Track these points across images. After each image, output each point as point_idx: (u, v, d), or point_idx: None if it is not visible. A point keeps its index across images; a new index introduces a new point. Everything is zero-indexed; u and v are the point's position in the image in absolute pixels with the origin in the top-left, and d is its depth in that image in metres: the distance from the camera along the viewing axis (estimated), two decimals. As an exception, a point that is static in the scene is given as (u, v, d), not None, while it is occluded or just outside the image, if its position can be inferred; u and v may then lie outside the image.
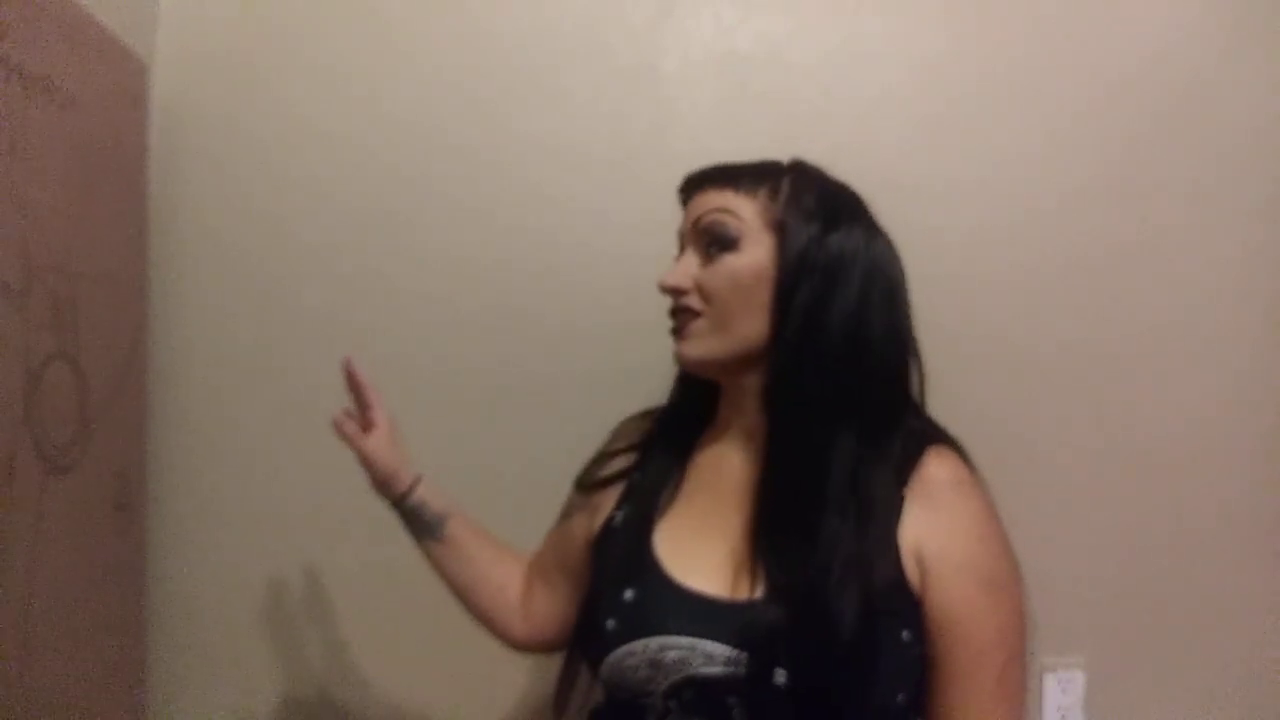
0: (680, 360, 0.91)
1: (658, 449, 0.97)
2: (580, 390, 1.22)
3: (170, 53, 1.21)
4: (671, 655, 0.80)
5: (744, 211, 0.87)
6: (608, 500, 0.97)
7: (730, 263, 0.86)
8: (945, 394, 1.20)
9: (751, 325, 0.86)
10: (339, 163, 1.23)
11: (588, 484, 1.00)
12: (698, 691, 0.79)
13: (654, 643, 0.81)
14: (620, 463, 0.99)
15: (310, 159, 1.22)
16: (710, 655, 0.79)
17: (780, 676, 0.76)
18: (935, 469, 0.87)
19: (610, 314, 1.22)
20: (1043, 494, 1.27)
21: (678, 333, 0.90)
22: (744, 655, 0.78)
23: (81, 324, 0.95)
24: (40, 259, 0.86)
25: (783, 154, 0.92)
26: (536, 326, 1.24)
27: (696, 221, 0.89)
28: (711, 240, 0.87)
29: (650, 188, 1.21)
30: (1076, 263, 1.28)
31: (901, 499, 0.84)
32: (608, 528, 0.94)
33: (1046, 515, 1.27)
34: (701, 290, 0.87)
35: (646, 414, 1.04)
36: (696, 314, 0.88)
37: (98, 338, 0.99)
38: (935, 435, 0.91)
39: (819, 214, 0.88)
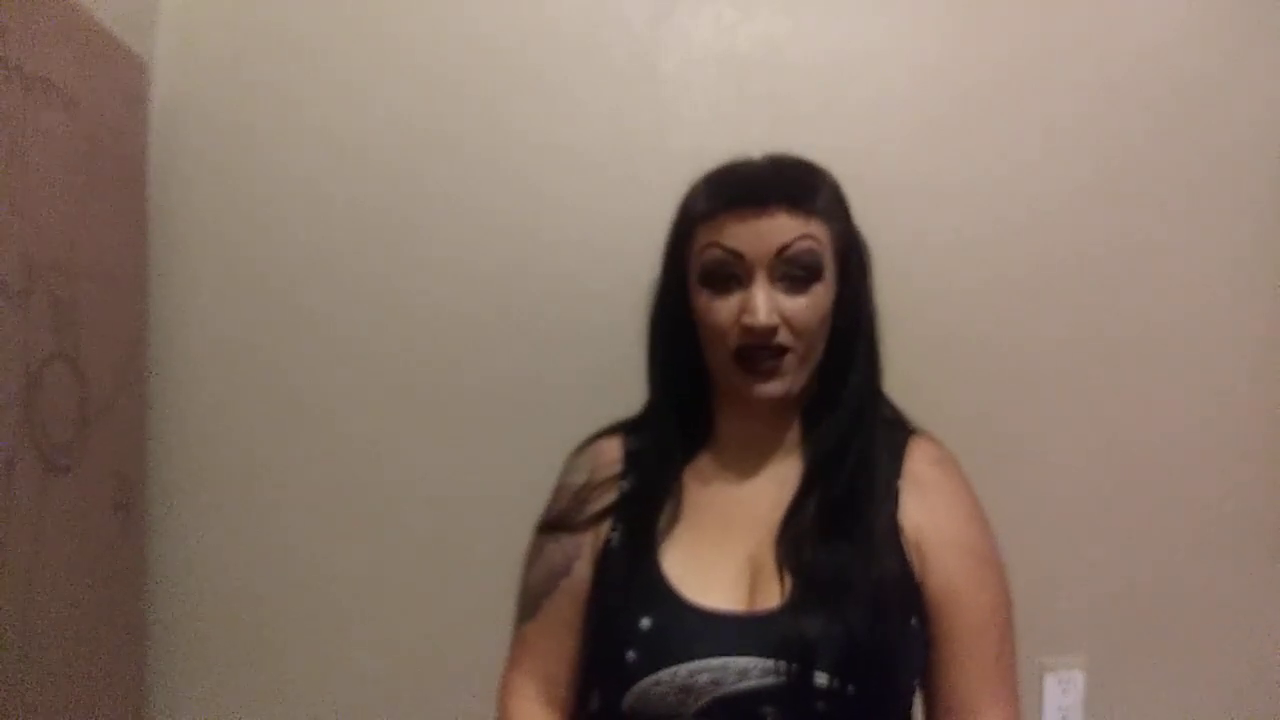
0: (765, 398, 0.85)
1: (647, 466, 0.93)
2: (581, 390, 1.21)
3: (170, 53, 1.21)
4: (704, 678, 0.79)
5: (822, 236, 0.84)
6: (599, 529, 0.92)
7: (819, 294, 0.84)
8: (945, 394, 1.20)
9: (821, 347, 0.88)
10: (339, 163, 1.22)
11: (578, 522, 0.92)
12: (730, 708, 0.79)
13: (683, 669, 0.79)
14: (605, 493, 0.93)
15: (310, 159, 1.22)
16: (744, 670, 0.79)
17: (821, 678, 0.77)
18: (921, 456, 0.90)
19: (610, 314, 1.21)
20: (1043, 494, 1.27)
21: (766, 373, 0.84)
22: (780, 664, 0.78)
23: (81, 324, 0.95)
24: (40, 259, 0.86)
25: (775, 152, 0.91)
26: (535, 326, 1.24)
27: (782, 250, 0.82)
28: (801, 271, 0.83)
29: (650, 188, 1.21)
30: (1076, 263, 1.28)
31: (897, 490, 0.87)
32: (607, 549, 0.90)
33: (1047, 516, 1.27)
34: (791, 325, 0.83)
35: (600, 437, 0.98)
36: (786, 350, 0.84)
37: (98, 338, 0.99)
38: (908, 422, 0.94)
39: (846, 215, 0.90)
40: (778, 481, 0.90)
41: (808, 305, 0.84)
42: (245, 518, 1.22)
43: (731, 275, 0.84)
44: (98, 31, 1.00)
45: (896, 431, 0.92)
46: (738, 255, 0.83)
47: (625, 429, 0.98)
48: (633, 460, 0.94)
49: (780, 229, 0.82)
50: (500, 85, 1.23)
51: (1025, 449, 1.27)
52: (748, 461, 0.92)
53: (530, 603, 0.94)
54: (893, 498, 0.86)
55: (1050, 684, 1.26)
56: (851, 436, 0.87)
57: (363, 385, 1.23)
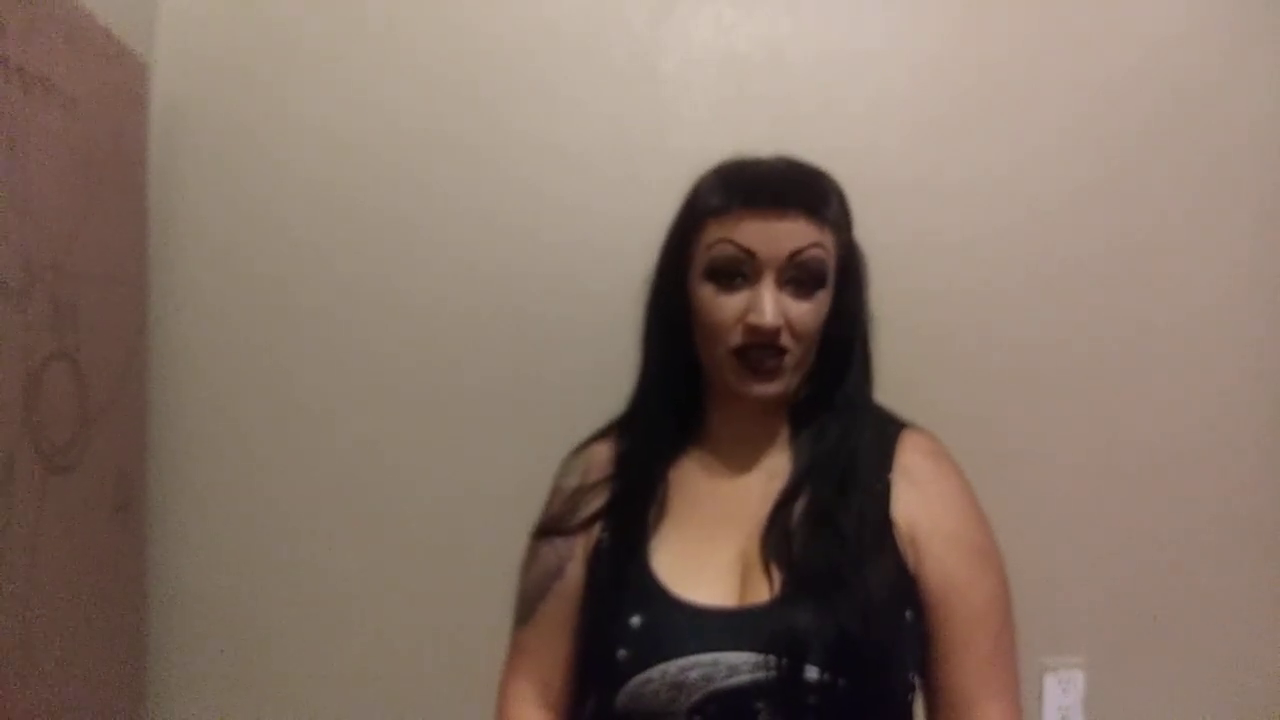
0: (759, 398, 0.86)
1: (635, 465, 0.93)
2: (580, 390, 1.21)
3: (170, 53, 1.21)
4: (694, 674, 0.79)
5: (830, 245, 0.85)
6: (591, 530, 0.92)
7: (821, 301, 0.85)
8: (945, 394, 1.21)
9: (814, 351, 0.88)
10: (339, 163, 1.23)
11: (571, 525, 0.92)
12: (722, 704, 0.79)
13: (673, 666, 0.80)
14: (597, 497, 0.93)
15: (310, 159, 1.22)
16: (735, 666, 0.79)
17: (812, 672, 0.77)
18: (913, 449, 0.90)
19: (609, 314, 1.21)
20: (1043, 494, 1.27)
21: (767, 374, 0.85)
22: (771, 659, 0.78)
23: (81, 324, 0.95)
24: (40, 259, 0.86)
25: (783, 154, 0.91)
26: (535, 326, 1.24)
27: (795, 255, 0.82)
28: (808, 278, 0.84)
29: (650, 188, 1.21)
30: (1076, 263, 1.28)
31: (888, 483, 0.87)
32: (598, 550, 0.91)
33: (1047, 516, 1.27)
34: (793, 328, 0.84)
35: (594, 440, 0.99)
36: (784, 352, 0.84)
37: (98, 338, 0.99)
38: (898, 417, 0.94)
39: (850, 225, 0.90)
40: (767, 477, 0.90)
41: (810, 311, 0.84)
42: (245, 518, 1.23)
43: (739, 273, 0.84)
44: (98, 31, 1.00)
45: (887, 425, 0.92)
46: (750, 254, 0.83)
47: (617, 430, 0.98)
48: (622, 461, 0.95)
49: (796, 233, 0.83)
50: (500, 85, 1.23)
51: (1025, 449, 1.27)
52: (738, 457, 0.92)
53: (525, 607, 0.94)
54: (885, 490, 0.86)
55: (1050, 684, 1.26)
56: (843, 434, 0.88)
57: (363, 385, 1.23)
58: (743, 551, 0.86)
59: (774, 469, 0.90)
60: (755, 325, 0.82)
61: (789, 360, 0.85)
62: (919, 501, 0.86)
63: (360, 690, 1.23)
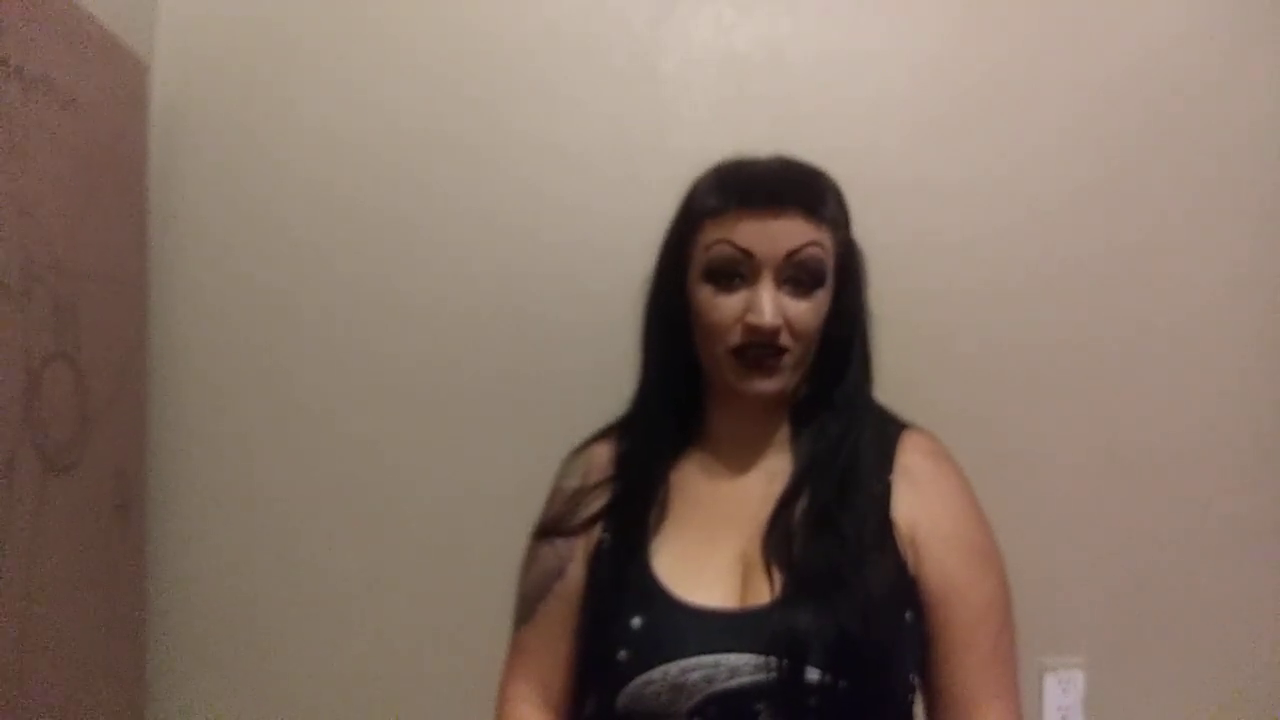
0: (760, 394, 0.86)
1: (635, 466, 0.93)
2: (580, 390, 1.21)
3: (170, 53, 1.21)
4: (695, 676, 0.79)
5: (828, 244, 0.85)
6: (592, 532, 0.92)
7: (820, 299, 0.85)
8: (945, 394, 1.21)
9: (814, 350, 0.88)
10: (339, 163, 1.23)
11: (571, 526, 0.92)
12: (723, 705, 0.79)
13: (674, 667, 0.80)
14: (597, 498, 0.93)
15: (310, 159, 1.22)
16: (735, 668, 0.79)
17: (813, 674, 0.77)
18: (913, 450, 0.90)
19: (609, 314, 1.21)
20: (1043, 494, 1.27)
21: (764, 371, 0.85)
22: (772, 660, 0.78)
23: (81, 324, 0.95)
24: (40, 259, 0.86)
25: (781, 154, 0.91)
26: (535, 326, 1.24)
27: (792, 254, 0.83)
28: (807, 277, 0.84)
29: (650, 188, 1.21)
30: (1076, 263, 1.28)
31: (889, 483, 0.87)
32: (599, 551, 0.91)
33: (1047, 515, 1.27)
34: (792, 328, 0.84)
35: (594, 441, 0.99)
36: (784, 351, 0.84)
37: (98, 338, 0.99)
38: (899, 418, 0.94)
39: (848, 224, 0.90)
40: (768, 478, 0.90)
41: (809, 310, 0.84)
42: (245, 518, 1.23)
43: (737, 273, 0.84)
44: (98, 31, 1.00)
45: (888, 426, 0.92)
46: (747, 254, 0.83)
47: (618, 431, 0.98)
48: (623, 462, 0.95)
49: (792, 232, 0.83)
50: (500, 85, 1.23)
51: (1025, 449, 1.27)
52: (738, 458, 0.92)
53: (526, 608, 0.94)
54: (885, 491, 0.86)
55: (1050, 684, 1.26)
56: (843, 433, 0.88)
57: (363, 385, 1.23)
58: (743, 553, 0.86)
59: (774, 470, 0.90)
60: (754, 325, 0.82)
61: (789, 359, 0.85)
62: (919, 502, 0.86)
63: (360, 690, 1.23)
